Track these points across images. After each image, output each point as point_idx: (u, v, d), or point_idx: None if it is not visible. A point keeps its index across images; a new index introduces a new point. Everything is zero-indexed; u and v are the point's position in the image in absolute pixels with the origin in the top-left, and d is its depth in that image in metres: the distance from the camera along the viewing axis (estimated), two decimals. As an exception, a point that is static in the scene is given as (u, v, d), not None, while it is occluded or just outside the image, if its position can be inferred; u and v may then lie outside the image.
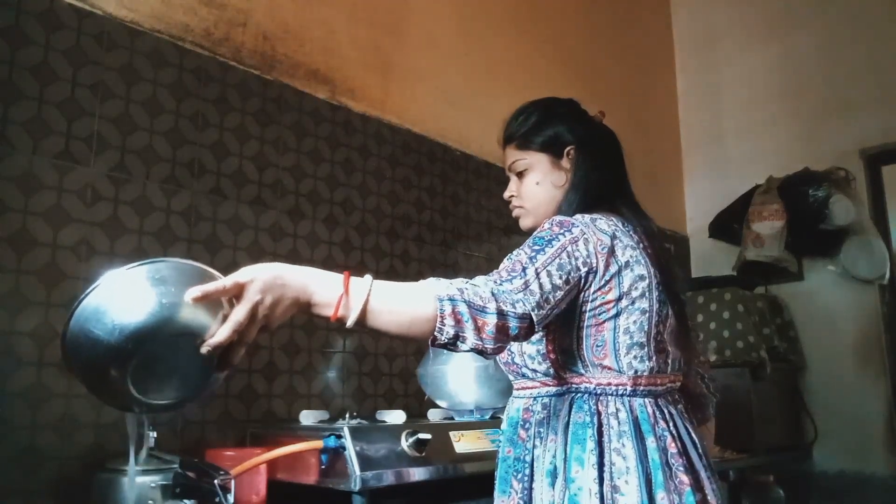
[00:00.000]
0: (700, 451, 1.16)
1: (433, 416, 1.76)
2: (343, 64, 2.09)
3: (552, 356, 1.15)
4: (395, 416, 1.60)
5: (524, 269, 1.04)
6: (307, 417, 1.64)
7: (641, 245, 1.18)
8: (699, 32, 3.84)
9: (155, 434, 1.31)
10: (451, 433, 1.57)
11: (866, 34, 3.24)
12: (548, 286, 1.04)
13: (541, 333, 1.15)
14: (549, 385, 1.17)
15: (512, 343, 1.15)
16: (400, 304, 0.95)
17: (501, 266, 1.08)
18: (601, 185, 1.24)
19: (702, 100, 3.76)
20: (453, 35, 2.52)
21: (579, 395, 1.13)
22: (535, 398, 1.19)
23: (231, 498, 1.17)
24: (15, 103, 1.40)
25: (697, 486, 1.10)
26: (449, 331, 0.94)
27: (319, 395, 1.86)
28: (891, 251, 3.02)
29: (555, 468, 1.10)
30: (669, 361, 1.18)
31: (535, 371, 1.18)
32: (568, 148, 1.26)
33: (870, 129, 3.14)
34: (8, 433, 1.31)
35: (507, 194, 1.34)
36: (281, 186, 1.86)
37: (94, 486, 1.25)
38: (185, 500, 1.21)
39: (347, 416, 1.61)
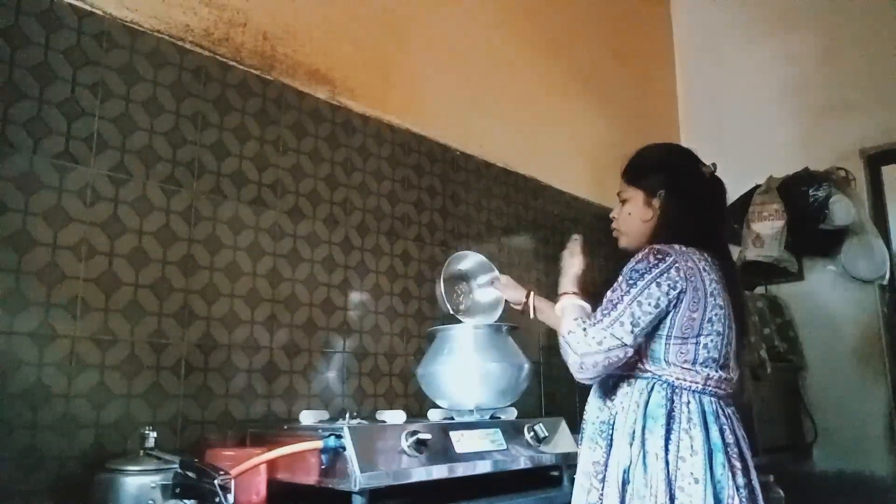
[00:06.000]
0: (747, 446, 1.43)
1: (433, 416, 1.75)
2: (343, 64, 2.09)
3: (641, 350, 1.40)
4: (395, 416, 1.60)
5: (615, 306, 1.36)
6: (307, 417, 1.64)
7: (723, 281, 1.45)
8: (699, 33, 3.84)
9: (155, 434, 1.31)
10: (451, 433, 1.57)
11: (866, 34, 3.24)
12: (638, 313, 1.35)
13: None
14: (636, 370, 1.43)
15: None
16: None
17: (604, 299, 1.39)
18: (687, 227, 1.48)
19: (701, 100, 3.76)
20: (453, 35, 2.52)
21: (659, 382, 1.40)
22: (622, 377, 1.44)
23: (231, 498, 1.17)
24: (15, 103, 1.40)
25: (745, 471, 1.38)
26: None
27: (319, 395, 1.86)
28: (891, 251, 3.03)
29: (633, 432, 1.37)
30: (731, 375, 1.45)
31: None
32: (659, 191, 1.53)
33: (870, 129, 3.14)
34: (8, 433, 1.30)
35: (611, 214, 1.65)
36: (281, 186, 1.86)
37: (94, 486, 1.25)
38: (185, 500, 1.21)
39: (347, 416, 1.61)
